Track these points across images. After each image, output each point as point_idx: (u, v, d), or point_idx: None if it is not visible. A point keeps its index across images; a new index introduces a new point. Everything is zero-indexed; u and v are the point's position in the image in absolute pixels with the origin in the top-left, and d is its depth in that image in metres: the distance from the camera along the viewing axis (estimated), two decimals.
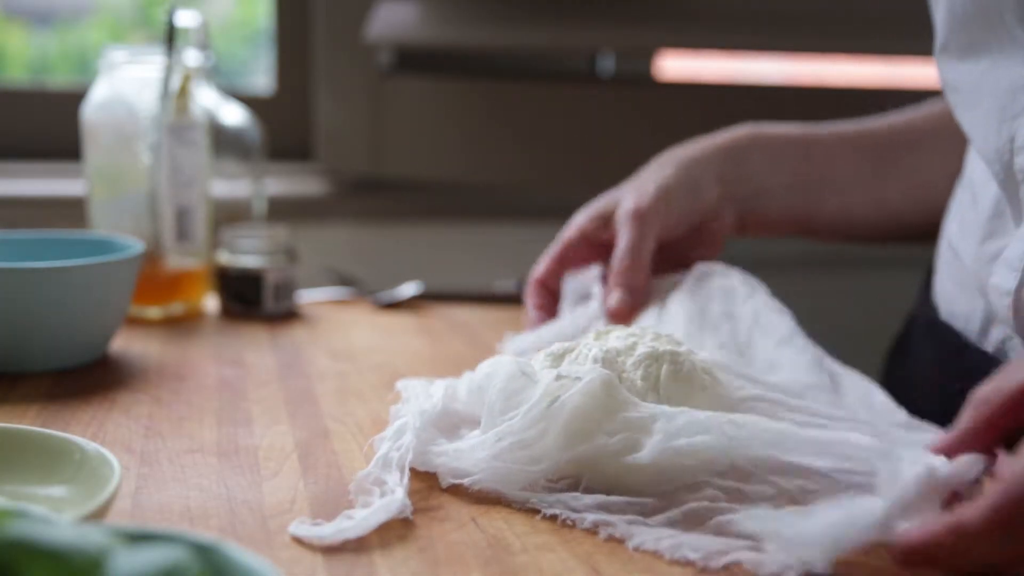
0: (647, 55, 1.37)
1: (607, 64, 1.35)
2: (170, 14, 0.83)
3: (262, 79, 1.41)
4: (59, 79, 1.41)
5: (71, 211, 1.01)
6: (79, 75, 1.42)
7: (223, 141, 0.90)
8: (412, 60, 1.29)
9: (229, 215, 0.91)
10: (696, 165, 0.73)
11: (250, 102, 1.12)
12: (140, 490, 0.48)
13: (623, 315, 0.68)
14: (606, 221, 0.73)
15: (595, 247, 0.73)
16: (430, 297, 0.91)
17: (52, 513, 0.35)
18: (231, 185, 0.92)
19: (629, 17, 1.22)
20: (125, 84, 0.83)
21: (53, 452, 0.47)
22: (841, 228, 0.78)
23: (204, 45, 0.86)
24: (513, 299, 0.92)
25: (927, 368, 0.69)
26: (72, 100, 1.03)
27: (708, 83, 1.38)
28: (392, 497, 0.45)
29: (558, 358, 0.52)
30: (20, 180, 1.20)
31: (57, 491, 0.46)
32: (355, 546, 0.43)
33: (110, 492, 0.42)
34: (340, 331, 0.81)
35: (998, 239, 0.59)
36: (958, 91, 0.62)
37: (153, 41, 1.36)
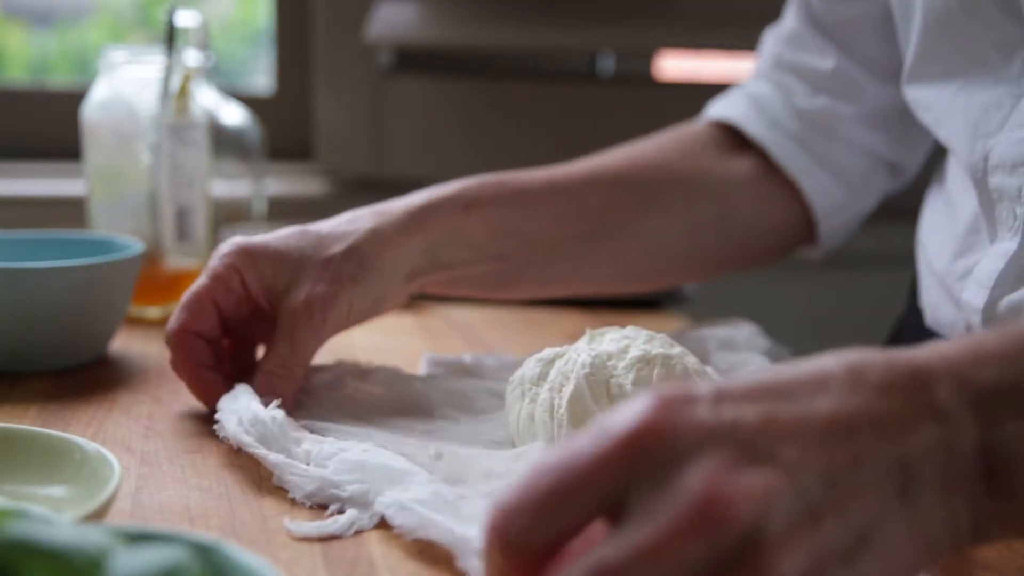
0: (647, 55, 1.37)
1: (607, 64, 1.35)
2: (170, 14, 0.83)
3: (262, 79, 1.41)
4: (59, 79, 1.42)
5: (71, 211, 1.01)
6: (79, 75, 1.42)
7: (223, 141, 0.90)
8: (412, 60, 1.29)
9: (229, 215, 0.91)
10: (391, 259, 0.62)
11: (250, 102, 1.11)
12: (140, 490, 0.48)
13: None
14: (265, 278, 0.60)
15: (243, 289, 0.60)
16: (430, 297, 0.91)
17: (52, 513, 0.35)
18: (231, 185, 0.92)
19: (629, 17, 1.23)
20: (125, 84, 0.83)
21: (53, 452, 0.47)
22: (539, 296, 0.73)
23: (204, 45, 0.86)
24: (513, 299, 0.92)
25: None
26: (72, 100, 1.03)
27: (708, 83, 1.38)
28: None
29: (548, 363, 0.52)
30: (20, 180, 1.20)
31: (57, 491, 0.46)
32: (355, 546, 0.43)
33: (110, 492, 0.42)
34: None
35: (972, 254, 0.59)
36: (930, 110, 0.62)
37: (153, 41, 1.36)
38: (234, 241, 0.61)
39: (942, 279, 0.62)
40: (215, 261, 0.60)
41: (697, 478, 0.30)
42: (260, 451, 0.49)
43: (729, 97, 0.79)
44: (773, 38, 0.79)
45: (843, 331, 1.33)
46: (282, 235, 0.62)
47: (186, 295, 0.60)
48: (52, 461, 0.47)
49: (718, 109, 0.78)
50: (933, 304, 0.65)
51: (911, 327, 0.71)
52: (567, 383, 0.50)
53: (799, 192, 0.74)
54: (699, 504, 0.30)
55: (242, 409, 0.52)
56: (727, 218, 0.73)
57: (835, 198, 0.74)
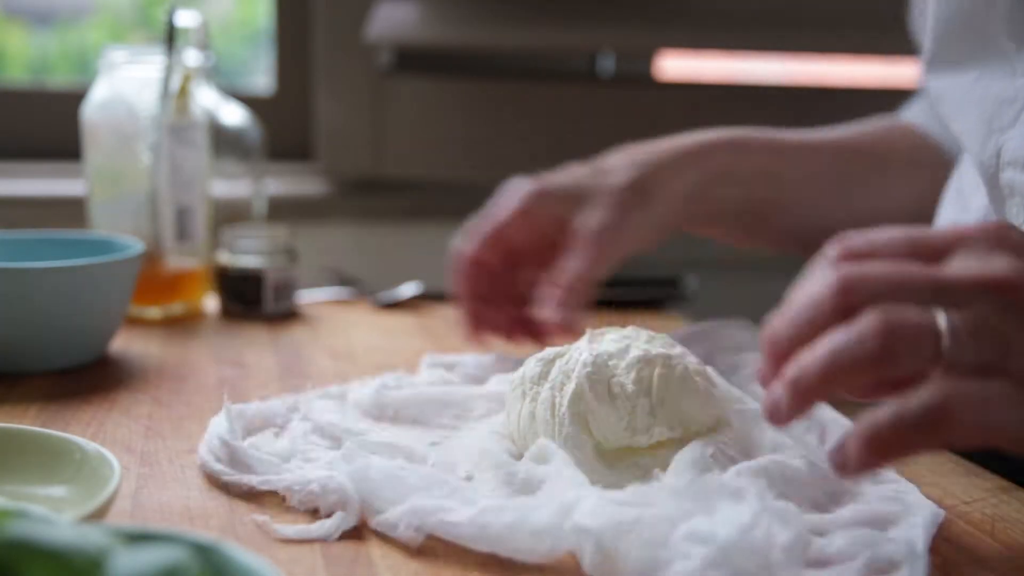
0: (647, 55, 1.37)
1: (607, 64, 1.35)
2: (170, 14, 0.83)
3: (262, 79, 1.41)
4: (59, 79, 1.41)
5: (71, 211, 1.01)
6: (79, 75, 1.42)
7: (223, 141, 0.90)
8: (412, 60, 1.29)
9: (229, 215, 0.91)
10: (670, 184, 0.68)
11: (250, 102, 1.11)
12: (140, 490, 0.48)
13: (556, 332, 0.65)
14: (562, 207, 0.67)
15: (536, 228, 0.68)
16: (430, 297, 0.91)
17: (52, 513, 0.35)
18: (231, 185, 0.92)
19: (629, 17, 1.23)
20: (125, 84, 0.83)
21: (53, 452, 0.47)
22: (791, 245, 0.76)
23: (204, 45, 0.86)
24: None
25: None
26: (72, 100, 1.03)
27: (708, 83, 1.38)
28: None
29: (549, 362, 0.52)
30: (20, 180, 1.20)
31: (57, 491, 0.46)
32: (355, 546, 0.43)
33: (110, 492, 0.42)
34: (340, 331, 0.81)
35: None
36: (944, 102, 0.62)
37: (153, 41, 1.36)
38: (524, 180, 0.68)
39: None
40: (507, 198, 0.68)
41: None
42: (231, 476, 0.49)
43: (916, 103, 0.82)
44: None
45: None
46: (566, 172, 0.69)
47: (476, 225, 0.67)
48: (52, 461, 0.47)
49: (908, 115, 0.81)
50: None
51: None
52: (568, 382, 0.50)
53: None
54: None
55: (211, 435, 0.52)
56: (932, 196, 0.75)
57: None
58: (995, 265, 0.40)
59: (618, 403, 0.49)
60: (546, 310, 0.65)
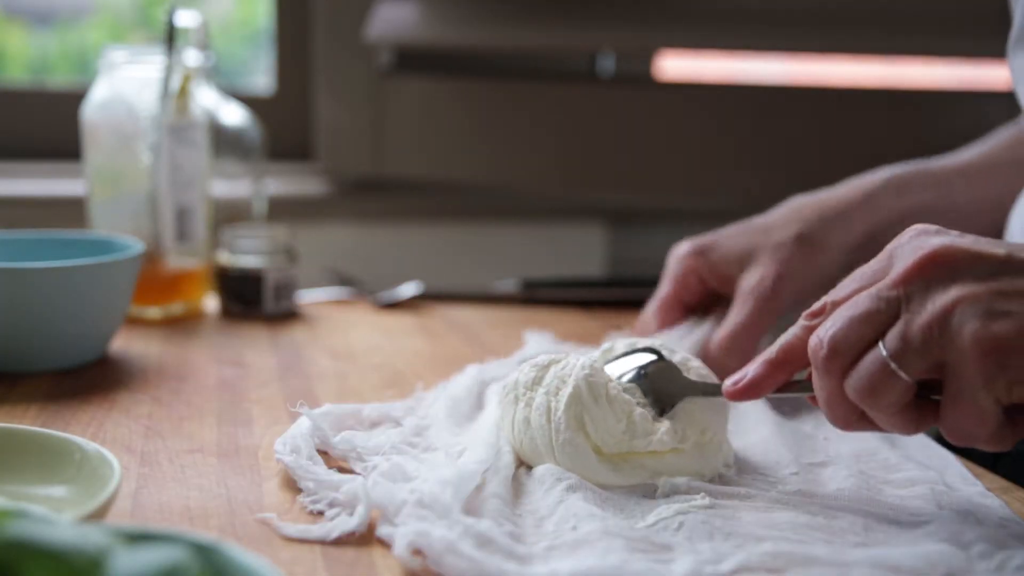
0: (647, 55, 1.37)
1: (607, 64, 1.35)
2: (170, 14, 0.83)
3: (262, 79, 1.41)
4: (59, 79, 1.41)
5: (71, 211, 1.01)
6: (79, 75, 1.42)
7: (223, 141, 0.90)
8: (412, 60, 1.29)
9: (229, 215, 0.91)
10: (839, 238, 0.68)
11: (250, 102, 1.11)
12: (140, 490, 0.48)
13: (742, 394, 0.65)
14: (720, 269, 0.68)
15: (705, 288, 0.69)
16: (430, 297, 0.91)
17: (52, 513, 0.35)
18: (231, 185, 0.92)
19: (629, 17, 1.22)
20: (125, 84, 0.83)
21: (53, 452, 0.47)
22: None
23: (204, 45, 0.86)
24: (513, 299, 0.92)
25: None
26: (72, 100, 1.03)
27: (708, 83, 1.38)
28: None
29: (543, 368, 0.52)
30: (20, 180, 1.20)
31: (57, 491, 0.46)
32: (355, 546, 0.43)
33: (110, 492, 0.41)
34: (340, 331, 0.81)
35: None
36: None
37: (153, 41, 1.36)
38: (687, 244, 0.69)
39: None
40: (673, 265, 0.70)
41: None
42: (287, 459, 0.49)
43: None
44: None
45: None
46: (730, 231, 0.70)
47: (655, 302, 0.70)
48: (52, 461, 0.47)
49: None
50: None
51: None
52: (564, 386, 0.50)
53: None
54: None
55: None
56: None
57: None
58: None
59: (616, 406, 0.49)
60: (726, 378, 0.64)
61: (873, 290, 0.44)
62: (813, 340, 0.44)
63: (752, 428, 0.57)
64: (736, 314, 0.65)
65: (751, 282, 0.66)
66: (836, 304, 0.46)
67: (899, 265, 0.44)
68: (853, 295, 0.45)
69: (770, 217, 0.70)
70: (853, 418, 0.45)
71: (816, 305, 0.47)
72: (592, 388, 0.49)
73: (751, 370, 0.49)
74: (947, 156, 0.76)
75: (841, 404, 0.45)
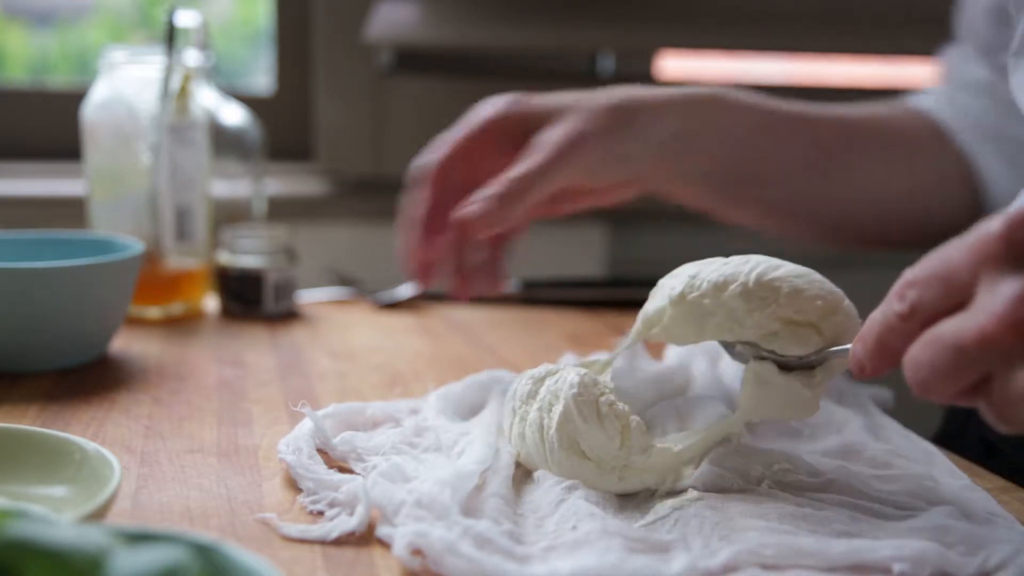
0: (647, 55, 1.37)
1: (607, 64, 1.35)
2: (170, 14, 0.83)
3: (262, 79, 1.41)
4: (59, 79, 1.41)
5: (71, 211, 1.01)
6: (79, 75, 1.42)
7: (223, 141, 0.90)
8: (412, 60, 1.28)
9: (229, 215, 0.91)
10: (647, 122, 0.65)
11: (250, 102, 1.11)
12: (140, 490, 0.48)
13: (477, 227, 0.59)
14: (527, 124, 0.64)
15: (503, 144, 0.64)
16: (430, 297, 0.91)
17: (52, 513, 0.35)
18: (231, 185, 0.92)
19: (629, 17, 1.23)
20: (125, 84, 0.83)
21: (53, 452, 0.47)
22: (771, 220, 0.74)
23: (204, 45, 0.86)
24: (513, 299, 0.92)
25: None
26: (72, 100, 1.03)
27: (708, 83, 1.38)
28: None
29: (539, 381, 0.51)
30: (20, 180, 1.20)
31: (57, 491, 0.46)
32: (355, 546, 0.43)
33: (110, 492, 0.41)
34: (340, 331, 0.81)
35: None
36: None
37: (153, 41, 1.36)
38: (502, 96, 0.65)
39: None
40: (482, 108, 0.64)
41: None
42: (289, 458, 0.50)
43: (919, 94, 0.80)
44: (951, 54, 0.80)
45: None
46: (547, 95, 0.66)
47: (447, 134, 0.64)
48: (52, 461, 0.47)
49: (918, 102, 0.79)
50: None
51: None
52: (556, 402, 0.49)
53: (975, 180, 0.74)
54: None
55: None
56: (937, 187, 0.74)
57: (1012, 189, 0.73)
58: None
59: (607, 423, 0.48)
60: (474, 204, 0.59)
61: (966, 341, 0.37)
62: (905, 369, 0.40)
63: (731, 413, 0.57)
64: (527, 159, 0.61)
65: (551, 134, 0.62)
66: (922, 317, 0.40)
67: (993, 311, 0.37)
68: (933, 314, 0.39)
69: (595, 92, 0.67)
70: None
71: (904, 307, 0.40)
72: (581, 408, 0.48)
73: (859, 353, 0.43)
74: (811, 103, 0.73)
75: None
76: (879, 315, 0.41)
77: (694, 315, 0.49)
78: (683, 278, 0.50)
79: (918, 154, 0.74)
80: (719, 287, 0.48)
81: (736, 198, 0.71)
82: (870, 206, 0.74)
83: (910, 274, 0.40)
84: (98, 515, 0.41)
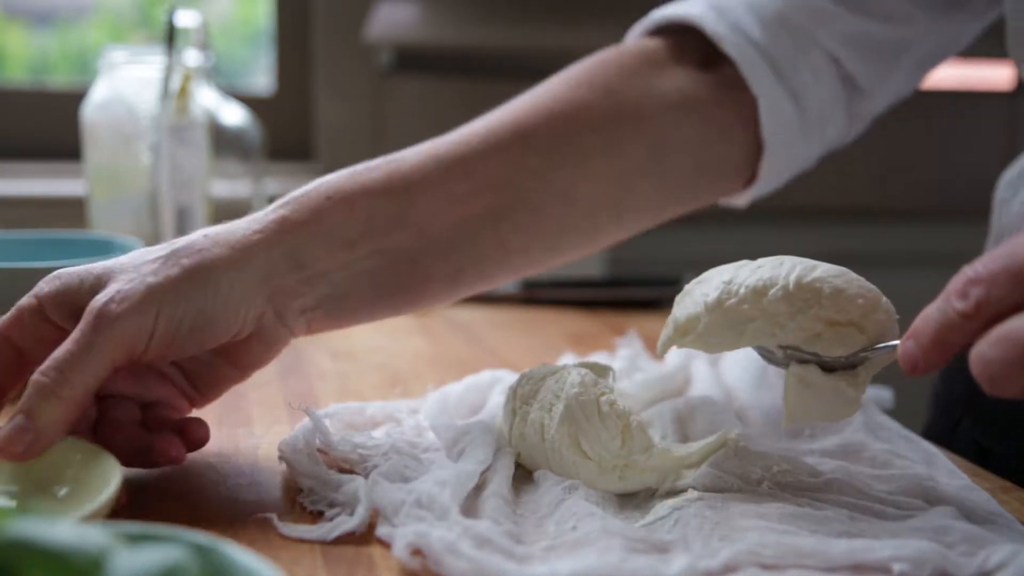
0: None
1: None
2: (170, 14, 0.83)
3: (262, 79, 1.41)
4: (59, 79, 1.42)
5: (71, 211, 1.01)
6: (79, 75, 1.42)
7: (223, 141, 0.90)
8: (412, 60, 1.29)
9: (229, 215, 0.90)
10: (229, 264, 0.49)
11: (250, 102, 1.11)
12: (140, 490, 0.48)
13: (18, 447, 0.44)
14: (67, 296, 0.49)
15: (51, 330, 0.48)
16: None
17: (53, 513, 0.35)
18: (231, 185, 0.92)
19: (629, 17, 1.22)
20: (125, 84, 0.83)
21: (53, 452, 0.47)
22: (452, 298, 0.60)
23: (204, 45, 0.87)
24: (513, 299, 0.92)
25: (965, 356, 0.69)
26: (72, 100, 1.03)
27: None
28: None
29: (539, 381, 0.51)
30: (20, 180, 1.20)
31: (57, 491, 0.46)
32: (355, 546, 0.43)
33: (110, 492, 0.41)
34: (340, 331, 0.81)
35: None
36: None
37: (153, 41, 1.36)
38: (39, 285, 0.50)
39: None
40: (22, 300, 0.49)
41: None
42: (289, 456, 0.50)
43: (678, 2, 0.67)
44: None
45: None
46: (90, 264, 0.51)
47: None
48: (52, 461, 0.47)
49: (664, 12, 0.66)
50: None
51: None
52: (557, 402, 0.49)
53: (753, 115, 0.63)
54: None
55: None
56: (659, 155, 0.61)
57: (789, 129, 0.64)
58: None
59: (609, 422, 0.48)
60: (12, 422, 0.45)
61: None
62: (972, 364, 0.39)
63: (738, 422, 0.57)
64: (65, 343, 0.46)
65: (95, 301, 0.47)
66: (988, 314, 0.39)
67: None
68: (1001, 311, 0.39)
69: (147, 249, 0.51)
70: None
71: (969, 305, 0.40)
72: (583, 407, 0.48)
73: (912, 351, 0.42)
74: (454, 131, 0.61)
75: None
76: (937, 313, 0.41)
77: (732, 321, 0.48)
78: (716, 284, 0.49)
79: (621, 141, 0.61)
80: (758, 292, 0.48)
81: (404, 289, 0.57)
82: (591, 210, 0.61)
83: (971, 271, 0.40)
84: (98, 515, 0.41)
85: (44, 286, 0.50)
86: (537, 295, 0.92)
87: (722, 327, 0.48)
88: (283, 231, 0.52)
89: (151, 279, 0.48)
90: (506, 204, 0.58)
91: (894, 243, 1.47)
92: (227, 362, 0.52)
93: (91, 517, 0.40)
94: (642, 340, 0.72)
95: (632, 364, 0.67)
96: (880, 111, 0.69)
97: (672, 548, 0.42)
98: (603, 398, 0.49)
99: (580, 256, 0.64)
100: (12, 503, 0.45)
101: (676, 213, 0.65)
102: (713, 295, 0.48)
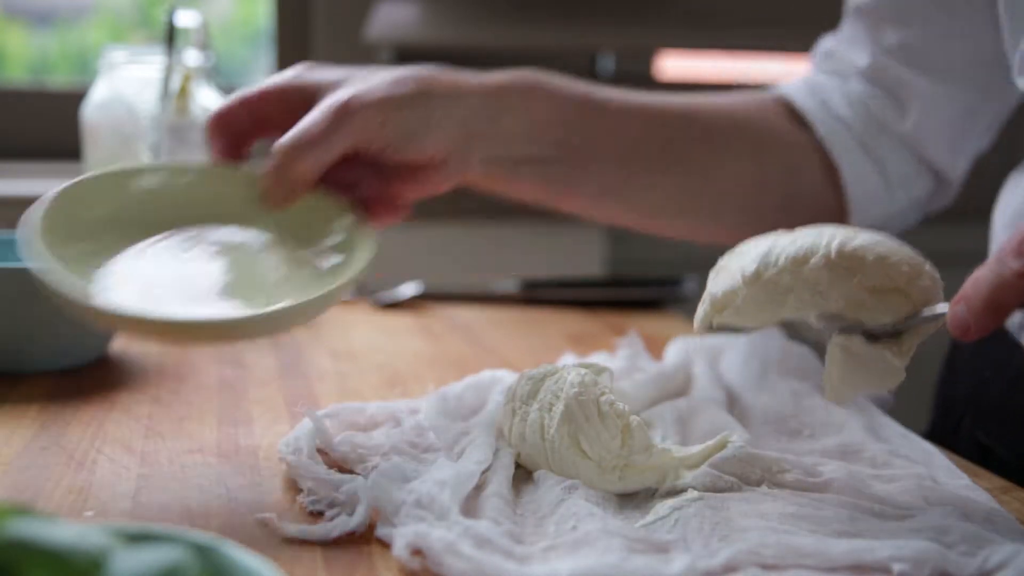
0: (647, 55, 1.37)
1: (607, 64, 1.35)
2: (170, 14, 0.83)
3: (262, 79, 1.41)
4: (59, 79, 1.41)
5: None
6: (79, 75, 1.42)
7: None
8: (412, 60, 1.28)
9: None
10: (447, 99, 0.61)
11: None
12: (140, 490, 0.48)
13: (276, 199, 0.57)
14: (311, 92, 0.60)
15: (290, 110, 0.60)
16: (430, 297, 0.91)
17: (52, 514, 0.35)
18: None
19: (629, 17, 1.23)
20: (125, 84, 0.83)
21: (324, 211, 0.54)
22: (590, 212, 0.72)
23: (204, 45, 0.87)
24: (513, 299, 0.92)
25: (967, 357, 0.69)
26: (72, 100, 1.03)
27: (708, 83, 1.38)
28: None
29: (539, 381, 0.51)
30: (20, 180, 1.20)
31: (314, 244, 0.54)
32: (355, 546, 0.43)
33: (367, 258, 0.50)
34: (340, 331, 0.81)
35: None
36: None
37: (153, 41, 1.36)
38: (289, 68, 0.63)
39: None
40: (277, 75, 0.62)
41: None
42: (290, 457, 0.50)
43: (790, 80, 0.79)
44: (831, 40, 0.79)
45: None
46: (338, 68, 0.63)
47: (239, 94, 0.61)
48: (307, 218, 0.54)
49: (776, 87, 0.78)
50: None
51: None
52: (557, 402, 0.49)
53: (838, 174, 0.73)
54: None
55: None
56: (792, 179, 0.73)
57: (872, 187, 0.73)
58: None
59: (609, 422, 0.48)
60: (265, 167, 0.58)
61: None
62: None
63: (738, 425, 0.57)
64: (307, 118, 0.57)
65: (333, 96, 0.58)
66: None
67: None
68: None
69: (392, 68, 0.64)
70: None
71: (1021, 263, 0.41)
72: (583, 406, 0.48)
73: (963, 315, 0.43)
74: (645, 92, 0.72)
75: None
76: (990, 274, 0.41)
77: (771, 293, 0.48)
78: (753, 256, 0.49)
79: (767, 145, 0.73)
80: (799, 261, 0.47)
81: (563, 183, 0.68)
82: (716, 197, 0.73)
83: None
84: (351, 284, 0.49)
85: (290, 74, 0.61)
86: (537, 295, 0.92)
87: (761, 299, 0.48)
88: (497, 92, 0.64)
89: (385, 90, 0.58)
90: (662, 158, 0.69)
91: None
92: (408, 179, 0.62)
93: (346, 285, 0.49)
94: (642, 340, 0.72)
95: (632, 364, 0.67)
96: (964, 171, 0.76)
97: (672, 548, 0.42)
98: (603, 398, 0.49)
99: (691, 236, 0.76)
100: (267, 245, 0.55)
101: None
102: (751, 267, 0.48)
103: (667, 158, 0.70)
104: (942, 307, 0.45)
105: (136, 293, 0.50)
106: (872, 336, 0.47)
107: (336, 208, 0.58)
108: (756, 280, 0.48)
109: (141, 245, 0.54)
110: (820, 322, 0.48)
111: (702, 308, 0.50)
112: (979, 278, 0.41)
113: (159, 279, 0.52)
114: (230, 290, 0.53)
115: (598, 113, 0.68)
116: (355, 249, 0.55)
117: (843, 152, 0.73)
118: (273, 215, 0.57)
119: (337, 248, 0.56)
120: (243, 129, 0.61)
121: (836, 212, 0.74)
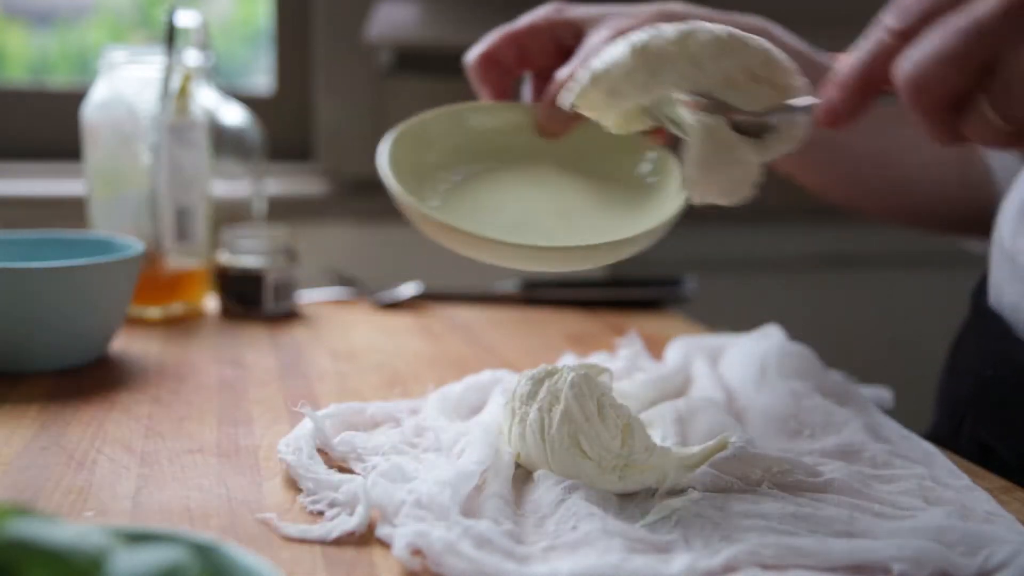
0: None
1: None
2: (170, 14, 0.83)
3: (262, 79, 1.41)
4: (59, 79, 1.41)
5: (71, 211, 1.01)
6: (79, 75, 1.42)
7: (223, 141, 0.90)
8: (412, 60, 1.29)
9: (229, 215, 0.91)
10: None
11: (250, 102, 1.11)
12: (140, 490, 0.48)
13: (553, 126, 0.61)
14: (569, 31, 0.64)
15: (553, 46, 0.64)
16: (430, 297, 0.91)
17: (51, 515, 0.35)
18: (231, 185, 0.92)
19: None
20: (125, 84, 0.83)
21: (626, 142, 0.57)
22: (804, 161, 0.75)
23: (204, 45, 0.86)
24: (513, 299, 0.92)
25: (970, 355, 0.69)
26: (72, 100, 1.03)
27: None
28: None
29: (538, 382, 0.51)
30: (20, 180, 1.20)
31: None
32: (355, 546, 0.43)
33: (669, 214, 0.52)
34: (340, 331, 0.81)
35: None
36: None
37: (153, 41, 1.36)
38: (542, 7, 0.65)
39: (1010, 254, 0.62)
40: (533, 12, 0.64)
41: None
42: (289, 458, 0.50)
43: None
44: None
45: (842, 332, 1.33)
46: (588, 6, 0.65)
47: (503, 29, 0.65)
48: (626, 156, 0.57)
49: None
50: (998, 282, 0.65)
51: (971, 311, 0.70)
52: (557, 403, 0.49)
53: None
54: None
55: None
56: (963, 165, 0.75)
57: None
58: None
59: (608, 422, 0.48)
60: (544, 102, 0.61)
61: (965, 23, 0.38)
62: (897, 73, 0.40)
63: (738, 425, 0.57)
64: (575, 56, 0.61)
65: (599, 35, 0.61)
66: (919, 25, 0.40)
67: None
68: (939, 7, 0.40)
69: (636, 4, 0.67)
70: (948, 136, 0.42)
71: (902, 18, 0.40)
72: (583, 406, 0.48)
73: (832, 96, 0.43)
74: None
75: (934, 128, 0.41)
76: (864, 45, 0.41)
77: (654, 64, 0.50)
78: (644, 32, 0.51)
79: None
80: (688, 33, 0.49)
81: (823, 151, 0.74)
82: (888, 168, 0.76)
83: None
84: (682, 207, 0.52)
85: (550, 8, 0.64)
86: (537, 295, 0.92)
87: (639, 74, 0.50)
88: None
89: (642, 23, 0.60)
90: (875, 120, 0.73)
91: (894, 243, 1.47)
92: None
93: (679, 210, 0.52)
94: (642, 340, 0.72)
95: (632, 364, 0.67)
96: None
97: (672, 548, 0.42)
98: (603, 398, 0.49)
99: (895, 219, 0.81)
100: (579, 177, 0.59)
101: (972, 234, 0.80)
102: (642, 38, 0.50)
103: (876, 126, 0.73)
104: (810, 99, 0.47)
105: (495, 219, 0.56)
106: (738, 129, 0.49)
107: (638, 139, 0.60)
108: (643, 51, 0.50)
109: (475, 171, 0.61)
110: (690, 99, 0.50)
111: (578, 83, 0.52)
112: (848, 59, 0.42)
113: (492, 205, 0.58)
114: (563, 217, 0.59)
115: (812, 67, 0.68)
116: (666, 176, 0.58)
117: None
118: (582, 149, 0.61)
119: (648, 176, 0.59)
120: (509, 66, 0.64)
121: (984, 200, 0.76)
